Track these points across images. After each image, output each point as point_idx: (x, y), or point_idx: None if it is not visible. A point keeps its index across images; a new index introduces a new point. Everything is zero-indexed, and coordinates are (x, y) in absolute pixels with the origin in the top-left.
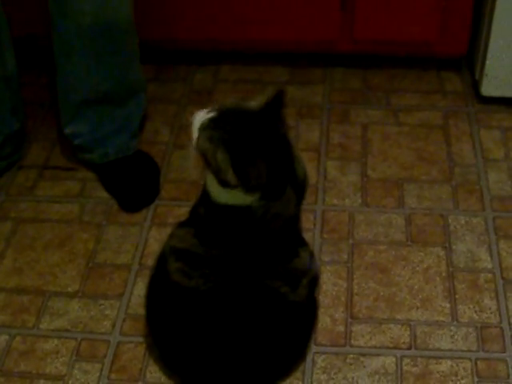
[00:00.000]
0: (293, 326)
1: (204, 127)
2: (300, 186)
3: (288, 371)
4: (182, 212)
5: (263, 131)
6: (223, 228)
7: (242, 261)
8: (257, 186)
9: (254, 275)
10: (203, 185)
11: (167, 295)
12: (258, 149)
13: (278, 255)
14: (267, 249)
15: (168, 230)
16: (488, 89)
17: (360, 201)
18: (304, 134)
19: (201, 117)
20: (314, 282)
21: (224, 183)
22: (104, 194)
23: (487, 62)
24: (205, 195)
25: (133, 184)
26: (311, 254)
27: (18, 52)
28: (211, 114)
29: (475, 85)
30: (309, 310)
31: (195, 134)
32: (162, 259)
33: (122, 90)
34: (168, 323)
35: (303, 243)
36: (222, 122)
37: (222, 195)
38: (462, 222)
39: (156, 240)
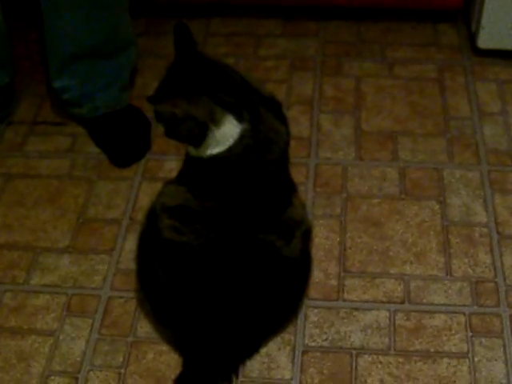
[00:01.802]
0: (286, 280)
1: None
2: (271, 103)
3: (281, 326)
4: (173, 166)
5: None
6: (219, 176)
7: (236, 212)
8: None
9: (248, 228)
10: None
11: (158, 251)
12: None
13: (273, 202)
14: (263, 193)
15: (159, 185)
16: (484, 41)
17: (353, 154)
18: (297, 87)
19: None
20: (307, 234)
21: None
22: (94, 149)
23: (484, 15)
24: (188, 159)
25: (123, 138)
26: (303, 204)
27: (5, 7)
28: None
29: (471, 38)
30: (303, 265)
31: None
32: (151, 216)
33: (110, 43)
34: (159, 279)
35: (294, 188)
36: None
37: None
38: (457, 175)
39: (147, 194)
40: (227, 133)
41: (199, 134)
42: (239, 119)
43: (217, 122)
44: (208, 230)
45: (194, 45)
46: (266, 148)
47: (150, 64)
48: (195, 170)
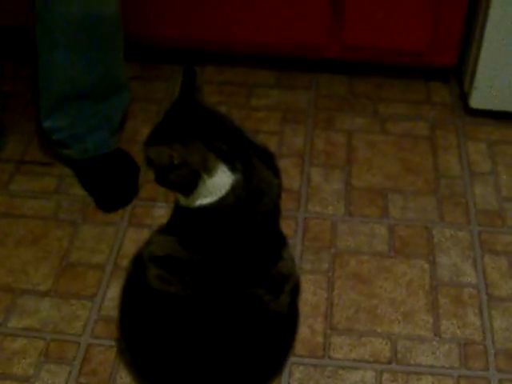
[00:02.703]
0: (273, 335)
1: None
2: (265, 154)
3: (265, 382)
4: (161, 213)
5: (189, 111)
6: (208, 227)
7: (225, 264)
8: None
9: (237, 281)
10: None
11: (144, 300)
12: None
13: (263, 255)
14: (253, 246)
15: (145, 231)
16: (477, 101)
17: (343, 209)
18: (288, 140)
19: None
20: (296, 289)
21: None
22: (81, 192)
23: (477, 75)
24: (178, 209)
25: (111, 182)
26: (293, 258)
27: None
28: None
29: (463, 97)
30: (290, 321)
31: None
32: (137, 263)
33: (104, 85)
34: (143, 329)
35: (284, 242)
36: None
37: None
38: (447, 234)
39: (132, 241)
40: (219, 183)
41: (191, 182)
42: (232, 169)
43: (209, 171)
44: (196, 281)
45: (196, 91)
46: (258, 200)
47: (140, 108)
48: (184, 220)
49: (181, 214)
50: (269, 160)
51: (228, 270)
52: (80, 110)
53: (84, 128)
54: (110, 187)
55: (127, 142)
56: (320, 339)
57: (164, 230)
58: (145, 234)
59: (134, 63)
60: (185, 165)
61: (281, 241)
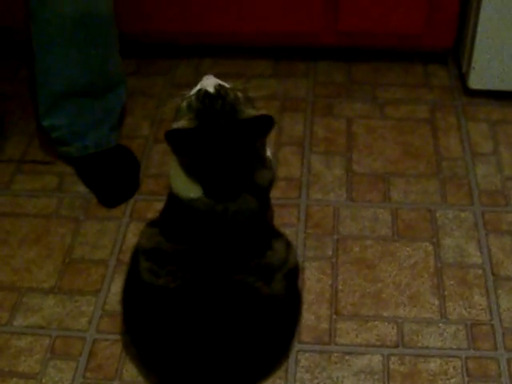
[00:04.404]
0: (272, 320)
1: (197, 95)
2: (261, 192)
3: (271, 369)
4: (162, 207)
5: (229, 139)
6: (186, 221)
7: (208, 256)
8: (189, 171)
9: (223, 270)
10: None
11: (140, 294)
12: (208, 148)
13: (247, 249)
14: (235, 243)
15: None
16: (475, 82)
17: (345, 195)
18: (288, 128)
19: (208, 82)
20: (294, 273)
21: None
22: (82, 189)
23: (474, 55)
24: (169, 190)
25: (112, 178)
26: (288, 245)
27: None
28: (211, 89)
29: (462, 78)
30: (290, 304)
31: (193, 90)
32: (134, 258)
33: (100, 82)
34: (143, 322)
35: (277, 234)
36: (211, 103)
37: (180, 185)
38: (450, 216)
39: (134, 235)
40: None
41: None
42: (205, 193)
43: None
44: (183, 271)
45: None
46: (234, 216)
47: (139, 104)
48: (173, 210)
49: (171, 204)
50: (262, 195)
51: (212, 260)
52: (78, 107)
53: (83, 125)
54: (111, 183)
55: (127, 138)
56: (325, 325)
57: (152, 222)
58: None
59: (130, 59)
60: None
61: (269, 232)
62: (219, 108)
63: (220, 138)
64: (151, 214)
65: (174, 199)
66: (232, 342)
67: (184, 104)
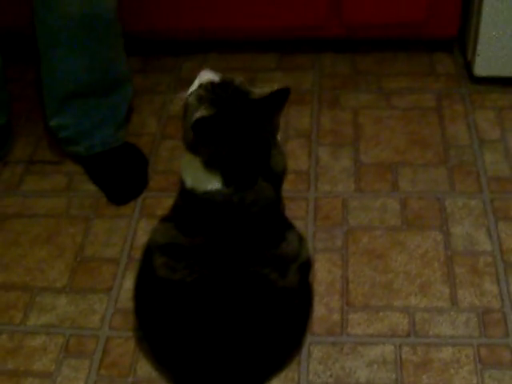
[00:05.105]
0: (286, 313)
1: (204, 87)
2: (276, 178)
3: (283, 362)
4: (171, 203)
5: (249, 121)
6: (202, 215)
7: (225, 248)
8: (210, 162)
9: (240, 262)
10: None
11: (154, 290)
12: (232, 132)
13: (262, 240)
14: (251, 234)
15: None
16: (481, 69)
17: (353, 186)
18: (294, 121)
19: (207, 76)
20: (306, 267)
21: (185, 140)
22: (91, 187)
23: (479, 42)
24: (181, 185)
25: (120, 176)
26: (300, 238)
27: (2, 48)
28: (216, 79)
29: (467, 66)
30: (303, 297)
31: (193, 86)
32: (147, 254)
33: (106, 81)
34: (157, 318)
35: (290, 226)
36: (221, 90)
37: (192, 178)
38: (459, 204)
39: (145, 232)
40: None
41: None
42: (225, 182)
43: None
44: (200, 265)
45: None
46: (250, 206)
47: (146, 101)
48: (187, 205)
49: (185, 198)
50: (277, 181)
51: (229, 252)
52: (85, 106)
53: (90, 124)
54: (120, 180)
55: (134, 135)
56: (337, 317)
57: (165, 218)
58: None
59: (136, 57)
60: None
61: (283, 224)
62: (231, 93)
63: (241, 120)
64: (161, 211)
65: (187, 194)
66: (247, 336)
67: (193, 98)
